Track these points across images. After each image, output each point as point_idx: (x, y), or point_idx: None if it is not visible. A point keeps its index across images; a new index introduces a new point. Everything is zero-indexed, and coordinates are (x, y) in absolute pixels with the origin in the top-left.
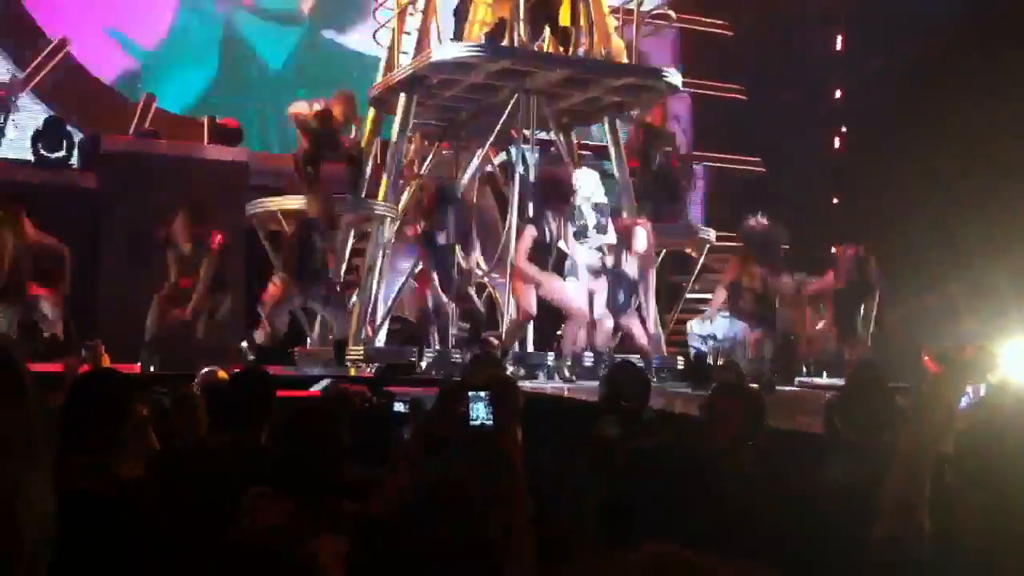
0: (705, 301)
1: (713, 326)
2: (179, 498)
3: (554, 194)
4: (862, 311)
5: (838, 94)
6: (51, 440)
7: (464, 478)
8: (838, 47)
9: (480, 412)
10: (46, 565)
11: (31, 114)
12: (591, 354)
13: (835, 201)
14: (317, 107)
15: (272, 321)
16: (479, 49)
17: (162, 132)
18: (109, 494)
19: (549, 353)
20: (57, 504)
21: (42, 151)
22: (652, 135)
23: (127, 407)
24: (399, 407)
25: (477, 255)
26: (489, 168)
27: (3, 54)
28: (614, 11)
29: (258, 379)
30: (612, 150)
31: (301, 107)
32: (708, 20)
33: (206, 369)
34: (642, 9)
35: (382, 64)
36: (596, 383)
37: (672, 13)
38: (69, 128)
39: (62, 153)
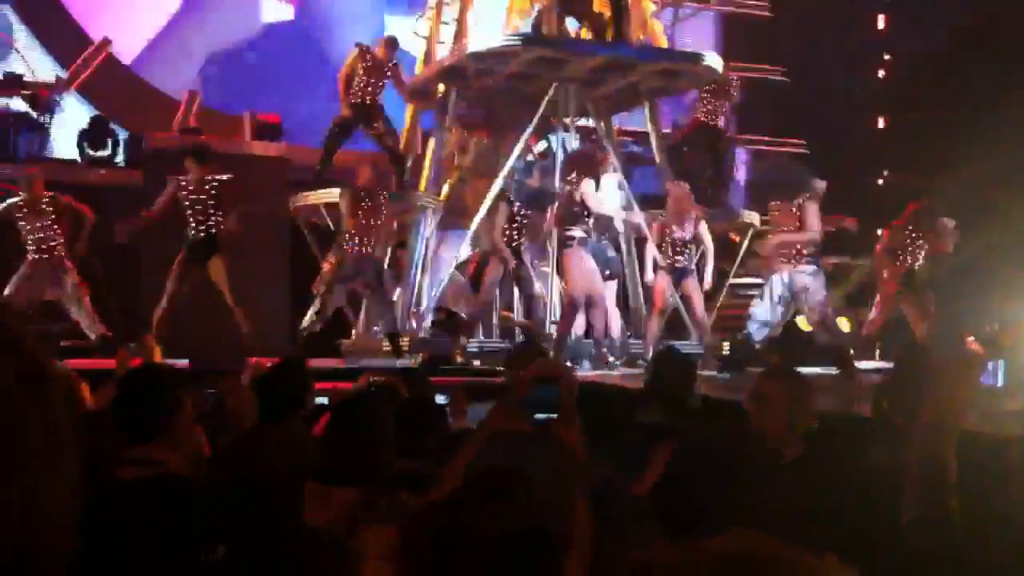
0: (751, 286)
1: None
2: (230, 490)
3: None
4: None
5: (881, 74)
6: (79, 439)
7: (522, 467)
8: (880, 26)
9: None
10: None
11: (76, 114)
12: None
13: (880, 182)
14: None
15: (324, 300)
16: (516, 38)
17: (205, 128)
18: (160, 484)
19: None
20: (108, 493)
21: (88, 150)
22: (704, 133)
23: (176, 401)
24: (441, 399)
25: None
26: (530, 157)
27: (47, 55)
28: None
29: (294, 370)
30: (652, 135)
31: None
32: (748, 2)
33: (255, 361)
34: None
35: (421, 55)
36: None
37: None
38: (114, 126)
39: (107, 151)
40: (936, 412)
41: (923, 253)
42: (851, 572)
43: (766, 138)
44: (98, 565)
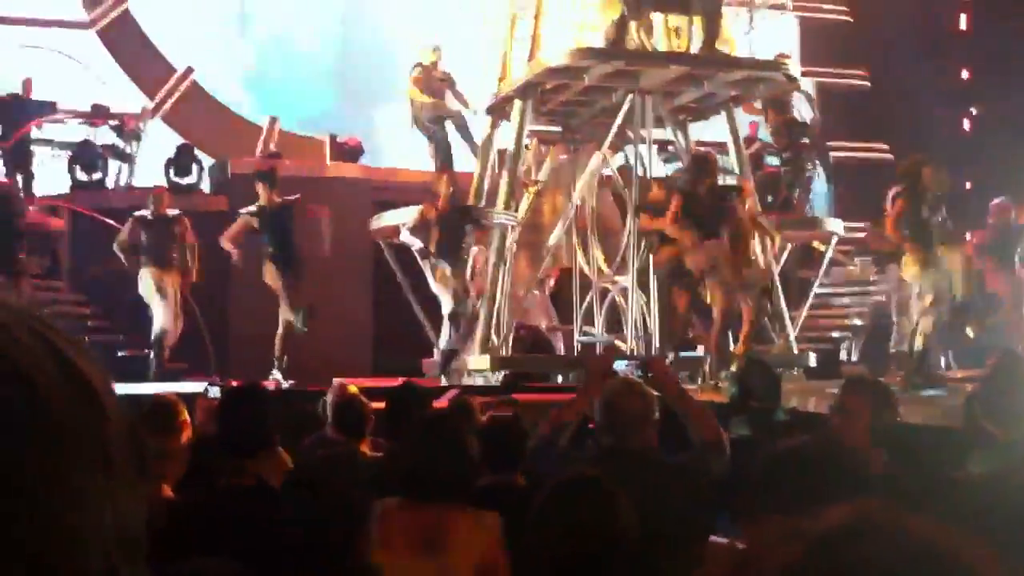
0: (837, 295)
1: None
2: (312, 502)
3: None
4: None
5: (965, 74)
6: (142, 459)
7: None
8: (963, 26)
9: None
10: None
11: (162, 142)
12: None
13: (968, 186)
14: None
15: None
16: (591, 53)
17: (285, 152)
18: (255, 491)
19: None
20: (208, 498)
21: (173, 177)
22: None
23: (273, 418)
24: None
25: (599, 259)
26: (607, 170)
27: (132, 84)
28: (729, 3)
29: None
30: (731, 145)
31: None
32: (827, 6)
33: (338, 382)
34: None
35: (496, 72)
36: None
37: (789, 2)
38: (198, 154)
39: (193, 178)
40: None
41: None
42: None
43: (849, 143)
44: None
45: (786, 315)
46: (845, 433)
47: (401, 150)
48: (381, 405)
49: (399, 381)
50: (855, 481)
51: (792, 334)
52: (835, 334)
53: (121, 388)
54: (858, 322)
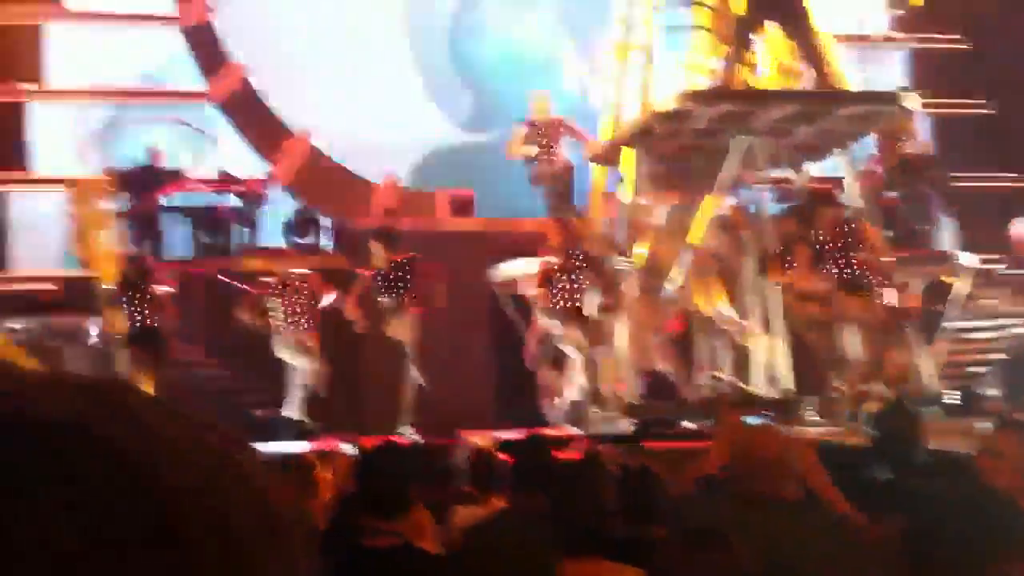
0: (975, 329)
1: None
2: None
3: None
4: None
5: None
6: (308, 542)
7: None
8: None
9: None
10: None
11: (279, 203)
12: None
13: None
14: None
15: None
16: (700, 95)
17: (402, 209)
18: (402, 552)
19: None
20: (356, 559)
21: (294, 238)
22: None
23: (412, 476)
24: None
25: (723, 302)
26: (725, 212)
27: (251, 150)
28: (838, 38)
29: (537, 447)
30: (849, 181)
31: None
32: (940, 36)
33: (471, 437)
34: (868, 32)
35: (603, 119)
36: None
37: (898, 34)
38: (317, 214)
39: (313, 239)
40: None
41: None
42: None
43: (971, 173)
44: None
45: (924, 353)
46: (997, 476)
47: (514, 197)
48: (508, 458)
49: (525, 432)
50: (1017, 530)
51: (931, 372)
52: (975, 370)
53: (258, 447)
54: (998, 357)
